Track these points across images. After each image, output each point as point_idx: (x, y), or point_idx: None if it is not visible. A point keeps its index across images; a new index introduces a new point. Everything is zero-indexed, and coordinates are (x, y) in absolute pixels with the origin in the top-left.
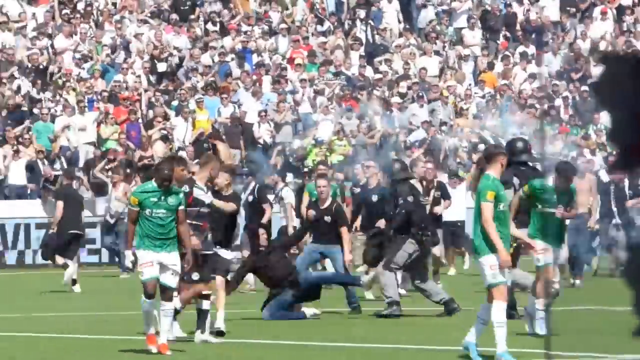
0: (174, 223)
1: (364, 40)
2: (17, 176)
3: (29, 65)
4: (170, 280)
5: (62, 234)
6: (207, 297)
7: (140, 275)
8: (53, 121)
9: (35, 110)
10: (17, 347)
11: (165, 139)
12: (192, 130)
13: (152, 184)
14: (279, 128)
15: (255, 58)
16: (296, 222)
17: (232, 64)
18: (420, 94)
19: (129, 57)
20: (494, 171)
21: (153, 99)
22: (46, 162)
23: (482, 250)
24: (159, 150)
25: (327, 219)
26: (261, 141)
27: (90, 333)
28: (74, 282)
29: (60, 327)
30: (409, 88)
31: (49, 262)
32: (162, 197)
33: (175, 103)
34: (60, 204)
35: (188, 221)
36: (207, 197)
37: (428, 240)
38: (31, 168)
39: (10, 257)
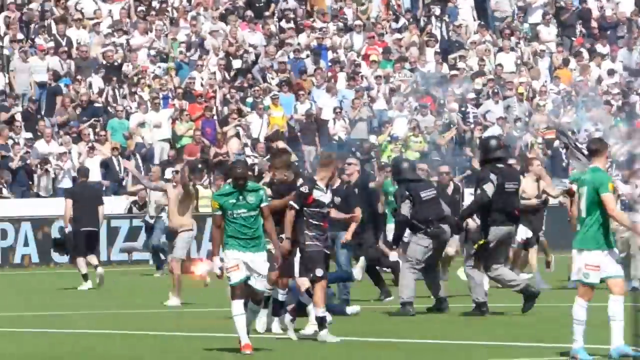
0: (258, 221)
1: (439, 37)
2: (93, 173)
3: (104, 62)
4: (259, 285)
5: (77, 232)
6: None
7: (228, 279)
8: (128, 118)
9: (110, 108)
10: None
11: (239, 135)
12: (267, 127)
13: (229, 185)
14: (354, 124)
15: (330, 55)
16: None
17: (307, 61)
18: (496, 90)
19: (204, 54)
20: (601, 163)
21: (228, 96)
22: (121, 158)
23: (588, 244)
24: (233, 146)
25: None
26: (336, 138)
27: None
28: (84, 277)
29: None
30: (484, 84)
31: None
32: (241, 197)
33: (250, 100)
34: (68, 202)
35: (310, 220)
36: (327, 197)
37: (439, 234)
38: (106, 165)
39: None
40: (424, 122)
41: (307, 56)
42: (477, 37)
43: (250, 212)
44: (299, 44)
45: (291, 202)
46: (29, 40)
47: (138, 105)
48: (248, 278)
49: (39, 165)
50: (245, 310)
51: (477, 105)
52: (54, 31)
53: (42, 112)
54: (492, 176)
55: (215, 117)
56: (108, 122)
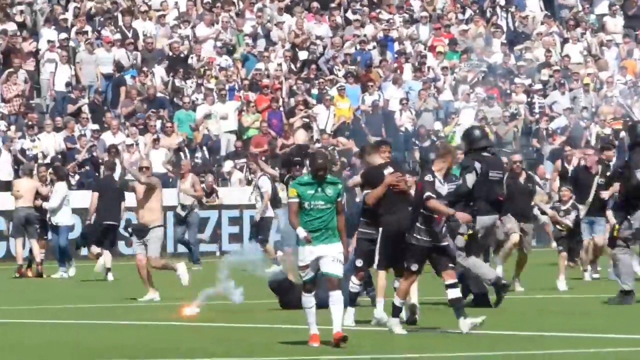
0: (333, 214)
1: (505, 28)
2: (158, 165)
3: (170, 53)
4: (333, 268)
5: (98, 224)
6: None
7: (299, 276)
8: (194, 110)
9: (176, 99)
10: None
11: (307, 127)
12: (333, 118)
13: (309, 176)
14: (420, 115)
15: (396, 46)
16: (271, 212)
17: (373, 52)
18: (562, 81)
19: (270, 45)
20: None
21: (294, 87)
22: (187, 150)
23: None
24: (300, 138)
25: None
26: (402, 129)
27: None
28: (107, 270)
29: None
30: (551, 75)
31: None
32: (319, 189)
33: (315, 91)
34: (95, 195)
35: (424, 212)
36: (444, 189)
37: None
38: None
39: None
40: (490, 113)
41: (374, 47)
42: (544, 28)
43: (327, 204)
44: (364, 35)
45: (428, 193)
46: (95, 32)
47: (204, 97)
48: (316, 275)
49: (109, 156)
50: (316, 301)
51: (544, 96)
52: (120, 23)
53: (108, 104)
54: (477, 165)
55: (281, 109)
56: (174, 114)
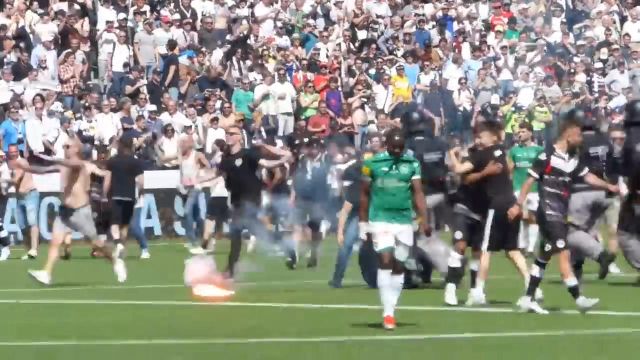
0: (408, 193)
1: (564, 7)
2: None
3: (229, 34)
4: (401, 254)
5: (111, 201)
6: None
7: (375, 246)
8: (252, 90)
9: (233, 80)
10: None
11: (362, 107)
12: (392, 98)
13: (384, 153)
14: (478, 95)
15: (455, 25)
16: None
17: (432, 32)
18: (621, 60)
19: (329, 25)
20: None
21: (354, 67)
22: (244, 131)
23: None
24: (358, 118)
25: None
26: (461, 108)
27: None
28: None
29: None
30: (610, 54)
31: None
32: (394, 166)
33: (374, 71)
34: (108, 174)
35: (548, 189)
36: (569, 166)
37: None
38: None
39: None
40: (549, 93)
41: (433, 27)
42: (603, 7)
43: (400, 182)
44: (423, 14)
45: (530, 171)
46: (154, 13)
47: (263, 77)
48: (393, 248)
49: (164, 135)
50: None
51: (603, 75)
52: (180, 3)
53: (165, 85)
54: (409, 151)
55: (340, 89)
56: (233, 94)
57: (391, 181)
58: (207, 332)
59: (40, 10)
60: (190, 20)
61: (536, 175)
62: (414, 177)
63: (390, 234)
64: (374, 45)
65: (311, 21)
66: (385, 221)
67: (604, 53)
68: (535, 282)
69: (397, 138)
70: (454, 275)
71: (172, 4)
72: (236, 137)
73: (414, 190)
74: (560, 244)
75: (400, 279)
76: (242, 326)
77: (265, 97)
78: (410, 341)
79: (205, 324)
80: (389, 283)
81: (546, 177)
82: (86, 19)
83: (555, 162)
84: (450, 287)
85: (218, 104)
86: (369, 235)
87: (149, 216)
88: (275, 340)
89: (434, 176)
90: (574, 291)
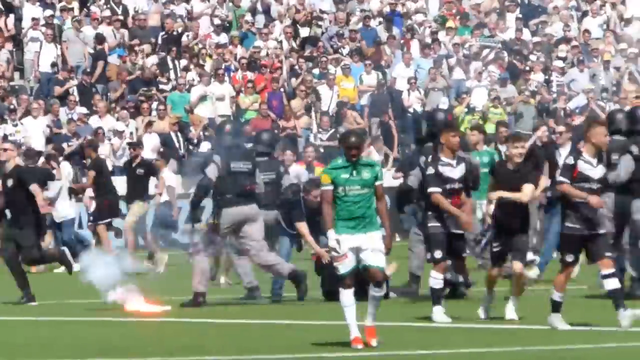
0: (371, 200)
1: (519, 2)
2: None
3: (163, 32)
4: (375, 259)
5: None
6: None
7: (337, 270)
8: (189, 91)
9: (167, 80)
10: None
11: (309, 109)
12: (336, 99)
13: (342, 159)
14: (428, 95)
15: (403, 21)
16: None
17: (379, 29)
18: (581, 58)
19: (269, 21)
20: None
21: (296, 67)
22: (179, 135)
23: None
24: (302, 121)
25: None
26: (411, 110)
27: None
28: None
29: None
30: (568, 52)
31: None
32: (355, 172)
33: (317, 71)
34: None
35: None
36: (596, 172)
37: None
38: (164, 141)
39: None
40: (504, 93)
41: (380, 23)
42: (561, 2)
43: (363, 189)
44: (369, 10)
45: (560, 177)
46: (83, 9)
47: (200, 77)
48: (357, 266)
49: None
50: (367, 298)
51: (562, 74)
52: None
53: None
54: (216, 157)
55: (282, 90)
56: (168, 96)
57: (354, 188)
58: (140, 350)
59: None
60: (122, 17)
61: (567, 181)
62: (377, 182)
63: (351, 256)
64: (320, 44)
65: (249, 17)
66: (347, 232)
67: (562, 50)
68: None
69: (352, 140)
70: (438, 296)
71: (102, 0)
72: (11, 153)
73: (377, 196)
74: (569, 258)
75: (380, 290)
76: (177, 344)
77: (203, 98)
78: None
79: (138, 341)
80: (353, 302)
81: (576, 184)
82: (11, 16)
83: (582, 167)
84: (438, 310)
85: (154, 105)
86: (337, 242)
87: None
88: (215, 358)
89: (241, 187)
90: (556, 306)
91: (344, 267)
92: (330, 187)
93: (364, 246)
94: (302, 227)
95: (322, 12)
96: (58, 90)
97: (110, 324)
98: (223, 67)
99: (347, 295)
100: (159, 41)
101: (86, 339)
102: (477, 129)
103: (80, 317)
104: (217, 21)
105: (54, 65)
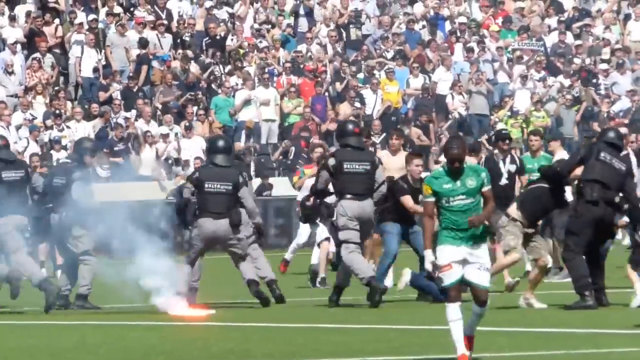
0: (479, 209)
1: (563, 5)
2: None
3: (208, 35)
4: (479, 277)
5: None
6: None
7: (440, 281)
8: (234, 95)
9: (214, 84)
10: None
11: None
12: (381, 103)
13: (443, 169)
14: (473, 99)
15: (447, 25)
16: None
17: (423, 32)
18: (621, 61)
19: (313, 25)
20: None
21: (340, 71)
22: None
23: None
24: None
25: None
26: (455, 114)
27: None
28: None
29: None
30: (612, 54)
31: None
32: (459, 181)
33: (361, 75)
34: None
35: None
36: None
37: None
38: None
39: None
40: (547, 96)
41: (423, 27)
42: (604, 5)
43: (469, 198)
44: (412, 13)
45: None
46: (127, 14)
47: (244, 82)
48: (463, 278)
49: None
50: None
51: (605, 77)
52: (155, 3)
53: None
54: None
55: (326, 93)
56: (212, 100)
57: (458, 198)
58: (185, 354)
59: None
60: (166, 22)
61: None
62: (484, 189)
63: (456, 267)
64: (364, 47)
65: (288, 20)
66: (452, 244)
67: (605, 54)
68: None
69: (455, 151)
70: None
71: (148, 5)
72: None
73: (485, 200)
74: None
75: (481, 310)
76: (221, 348)
77: (247, 102)
78: None
79: (183, 345)
80: (459, 317)
81: None
82: (57, 21)
83: None
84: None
85: (196, 110)
86: (434, 265)
87: None
88: None
89: None
90: None
91: (449, 277)
92: (432, 199)
93: (470, 260)
94: (407, 200)
95: (364, 15)
96: (102, 95)
97: (155, 327)
98: (266, 70)
99: (452, 309)
100: (203, 46)
101: (131, 342)
102: (538, 135)
103: (125, 321)
104: (259, 25)
105: (95, 70)
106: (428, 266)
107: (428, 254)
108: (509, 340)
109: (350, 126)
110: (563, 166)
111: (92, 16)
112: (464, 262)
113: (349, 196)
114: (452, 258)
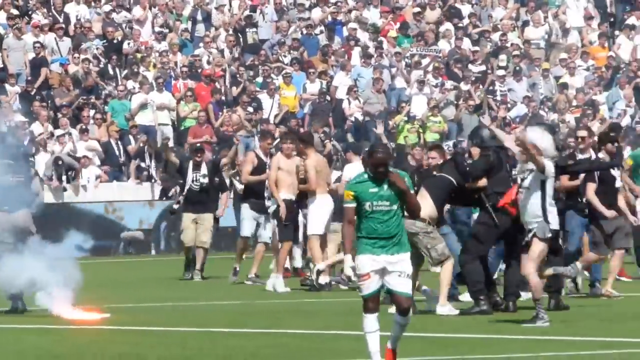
0: (400, 217)
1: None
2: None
3: (104, 39)
4: (401, 285)
5: None
6: None
7: (359, 290)
8: (129, 99)
9: (110, 88)
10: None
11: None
12: (277, 108)
13: (366, 173)
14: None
15: (345, 31)
16: None
17: (320, 37)
18: (517, 67)
19: (209, 30)
20: None
21: (237, 75)
22: (119, 143)
23: None
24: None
25: None
26: (352, 118)
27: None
28: None
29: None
30: (509, 61)
31: None
32: (384, 186)
33: (259, 79)
34: None
35: None
36: None
37: None
38: (105, 149)
39: None
40: (444, 102)
41: (321, 32)
42: (502, 12)
43: (393, 205)
44: (309, 18)
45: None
46: (25, 17)
47: (140, 85)
48: (381, 289)
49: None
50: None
51: (502, 83)
52: (52, 7)
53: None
54: None
55: (222, 98)
56: (109, 103)
57: (382, 204)
58: (77, 358)
59: None
60: (63, 25)
61: None
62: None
63: (374, 277)
64: (261, 52)
65: (185, 25)
66: (371, 253)
67: (502, 60)
68: None
69: (379, 155)
70: None
71: (45, 9)
72: None
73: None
74: None
75: (406, 319)
76: (115, 352)
77: (143, 106)
78: None
79: (75, 349)
80: (377, 328)
81: None
82: None
83: None
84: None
85: (91, 113)
86: (353, 270)
87: None
88: None
89: None
90: None
91: (367, 287)
92: (353, 204)
93: (390, 269)
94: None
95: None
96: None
97: (49, 331)
98: (163, 75)
99: (369, 320)
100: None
101: (25, 346)
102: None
103: (19, 324)
104: (157, 29)
105: None
106: (348, 271)
107: (347, 258)
108: (403, 345)
109: None
110: (472, 171)
111: None
112: (384, 271)
113: None
114: (371, 267)
